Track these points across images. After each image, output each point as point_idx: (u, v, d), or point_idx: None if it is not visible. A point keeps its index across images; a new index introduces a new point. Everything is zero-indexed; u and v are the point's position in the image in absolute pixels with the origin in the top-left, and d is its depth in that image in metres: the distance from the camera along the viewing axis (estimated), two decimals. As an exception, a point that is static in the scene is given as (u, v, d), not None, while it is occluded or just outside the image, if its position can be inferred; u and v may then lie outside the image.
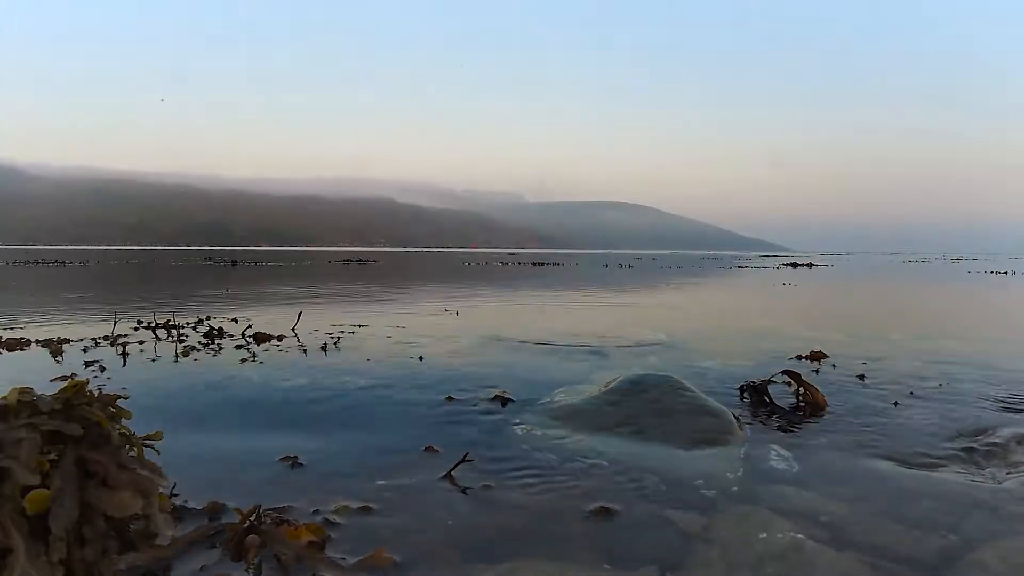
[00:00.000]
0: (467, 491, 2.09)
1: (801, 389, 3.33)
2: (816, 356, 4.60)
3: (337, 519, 1.86)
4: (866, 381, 3.87)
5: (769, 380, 3.39)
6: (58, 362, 4.22)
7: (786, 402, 3.31)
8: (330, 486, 2.12)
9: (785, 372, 3.45)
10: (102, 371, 3.97)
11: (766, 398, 3.32)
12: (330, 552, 1.66)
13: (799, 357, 4.63)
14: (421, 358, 4.53)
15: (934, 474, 2.32)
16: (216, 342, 5.09)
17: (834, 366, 4.36)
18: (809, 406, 3.26)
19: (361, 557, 1.62)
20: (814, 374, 4.07)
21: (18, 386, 1.60)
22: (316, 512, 1.90)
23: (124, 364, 4.23)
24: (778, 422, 3.02)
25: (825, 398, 3.30)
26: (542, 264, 31.99)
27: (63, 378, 3.72)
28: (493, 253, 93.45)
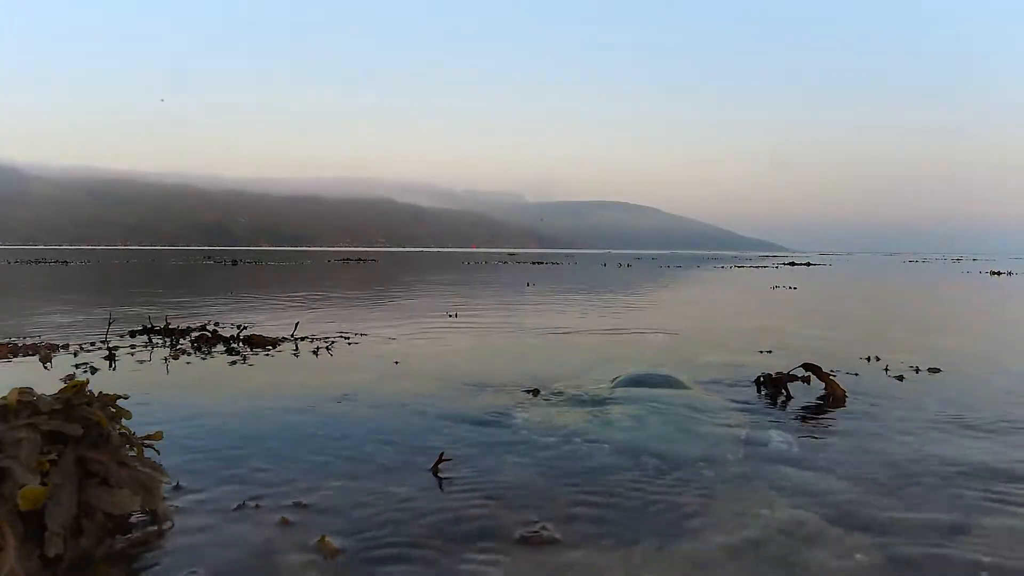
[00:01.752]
0: (464, 481, 2.09)
1: (824, 386, 3.36)
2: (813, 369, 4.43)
3: (312, 510, 1.87)
4: (891, 377, 3.88)
5: (788, 373, 3.42)
6: (47, 368, 4.14)
7: (802, 397, 3.32)
8: (317, 481, 2.12)
9: (805, 365, 3.47)
10: (92, 372, 3.97)
11: (784, 390, 3.34)
12: (294, 540, 1.69)
13: (807, 367, 4.52)
14: (403, 357, 4.54)
15: (938, 454, 2.34)
16: (208, 347, 4.96)
17: (887, 366, 4.33)
18: (830, 398, 3.27)
19: (310, 543, 1.65)
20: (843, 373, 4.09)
21: (18, 386, 1.61)
22: (289, 503, 1.92)
23: (113, 367, 4.21)
24: (784, 410, 3.04)
25: (844, 390, 3.33)
26: (541, 263, 31.99)
27: (70, 378, 3.72)
28: (493, 253, 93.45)
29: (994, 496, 1.98)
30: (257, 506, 1.88)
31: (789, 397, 3.28)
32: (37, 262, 27.44)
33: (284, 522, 1.77)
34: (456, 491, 2.03)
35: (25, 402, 1.54)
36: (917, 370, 4.16)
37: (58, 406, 1.57)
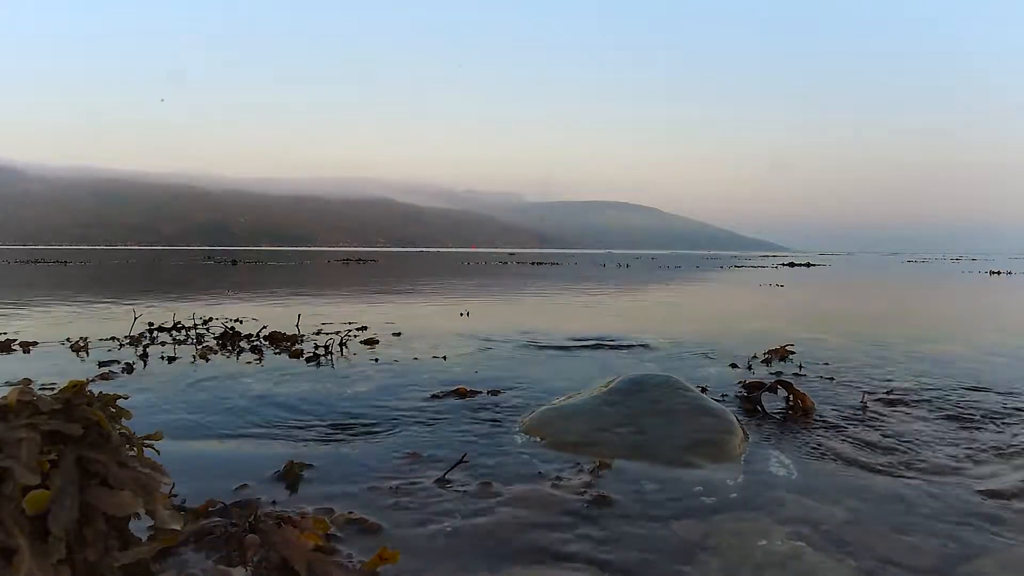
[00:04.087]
0: (467, 495, 2.09)
1: (791, 397, 3.37)
2: (784, 353, 4.67)
3: (337, 522, 1.85)
4: (837, 381, 3.88)
5: (762, 390, 3.44)
6: (82, 359, 4.32)
7: (775, 407, 3.32)
8: (330, 489, 2.12)
9: (778, 383, 3.50)
10: (125, 370, 4.04)
11: (758, 408, 3.35)
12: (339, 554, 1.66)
13: (770, 352, 4.67)
14: (416, 359, 4.54)
15: (932, 480, 2.32)
16: (233, 344, 5.08)
17: (801, 367, 4.35)
18: (799, 411, 3.27)
19: (367, 559, 1.62)
20: (796, 376, 4.06)
21: (18, 386, 1.60)
22: (311, 509, 1.90)
23: (144, 366, 4.25)
24: (773, 428, 3.01)
25: (813, 402, 3.33)
26: (541, 264, 32.00)
27: (103, 377, 3.77)
28: (493, 253, 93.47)
29: (991, 524, 1.95)
30: (269, 520, 1.84)
31: (764, 412, 3.27)
32: (37, 262, 27.45)
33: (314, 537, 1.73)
34: (461, 506, 2.03)
35: (25, 402, 1.53)
36: (912, 383, 4.15)
37: (58, 406, 1.56)
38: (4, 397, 1.56)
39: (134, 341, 5.13)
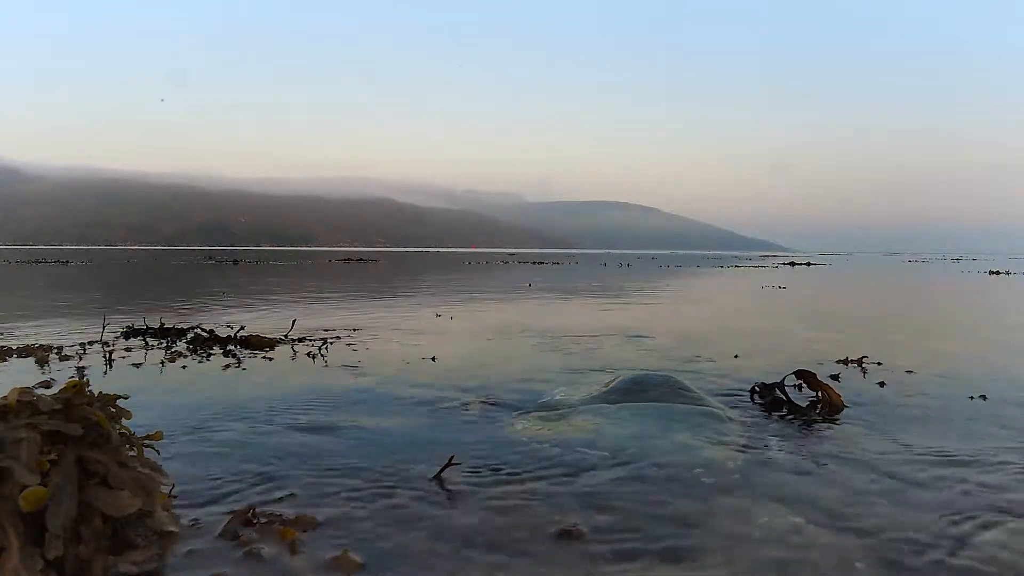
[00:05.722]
0: (462, 493, 2.08)
1: (818, 393, 3.23)
2: (860, 361, 4.38)
3: (319, 520, 1.84)
4: (885, 386, 3.85)
5: (782, 381, 3.31)
6: (41, 370, 4.06)
7: (800, 403, 3.23)
8: (323, 487, 2.11)
9: (797, 373, 3.35)
10: (79, 374, 3.88)
11: (782, 396, 3.22)
12: (309, 553, 1.65)
13: (846, 361, 4.44)
14: (412, 359, 4.53)
15: (936, 464, 2.33)
16: (205, 349, 4.88)
17: (864, 372, 4.24)
18: (826, 406, 3.16)
19: (328, 558, 1.61)
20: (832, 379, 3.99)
21: (18, 386, 1.60)
22: (299, 511, 1.89)
23: (110, 368, 4.17)
24: (782, 418, 3.01)
25: (842, 397, 3.20)
26: (541, 263, 32.00)
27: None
28: (494, 253, 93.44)
29: (993, 507, 1.96)
30: (262, 520, 1.83)
31: (789, 403, 3.20)
32: (37, 262, 27.47)
33: (293, 535, 1.73)
34: (461, 502, 2.03)
35: (25, 402, 1.54)
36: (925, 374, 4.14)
37: (58, 406, 1.56)
38: (4, 397, 1.56)
39: (103, 345, 4.95)
